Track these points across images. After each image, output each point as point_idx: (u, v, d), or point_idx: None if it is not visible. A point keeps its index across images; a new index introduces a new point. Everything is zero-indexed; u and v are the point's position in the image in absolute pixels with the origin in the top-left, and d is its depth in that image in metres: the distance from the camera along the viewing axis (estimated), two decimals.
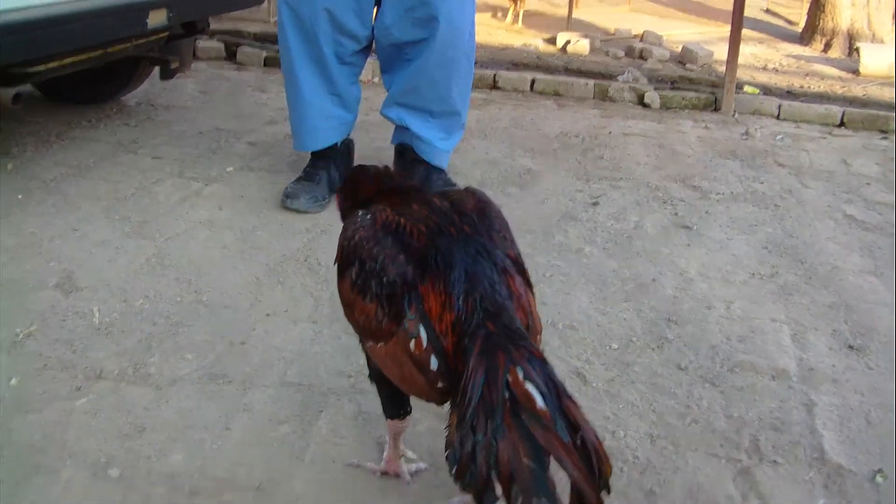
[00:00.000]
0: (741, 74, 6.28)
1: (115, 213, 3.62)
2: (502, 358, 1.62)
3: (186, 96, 5.44)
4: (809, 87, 6.71)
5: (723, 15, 8.42)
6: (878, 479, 2.33)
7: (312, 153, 4.01)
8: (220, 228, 3.56)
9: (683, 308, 3.16)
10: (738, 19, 5.84)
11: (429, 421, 2.39)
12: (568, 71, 6.71)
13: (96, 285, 3.04)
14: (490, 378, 1.60)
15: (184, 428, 2.35)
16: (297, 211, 3.75)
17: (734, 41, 5.82)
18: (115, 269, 3.16)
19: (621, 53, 7.38)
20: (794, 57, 7.81)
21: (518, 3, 8.51)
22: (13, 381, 2.48)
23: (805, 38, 8.56)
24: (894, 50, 7.21)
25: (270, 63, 6.37)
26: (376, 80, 5.93)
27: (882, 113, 5.75)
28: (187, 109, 5.16)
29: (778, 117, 5.80)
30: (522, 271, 1.93)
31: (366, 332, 1.90)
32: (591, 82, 6.18)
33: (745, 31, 6.27)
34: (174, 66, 4.69)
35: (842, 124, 5.71)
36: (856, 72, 7.21)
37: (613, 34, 8.24)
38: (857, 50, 7.59)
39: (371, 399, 2.39)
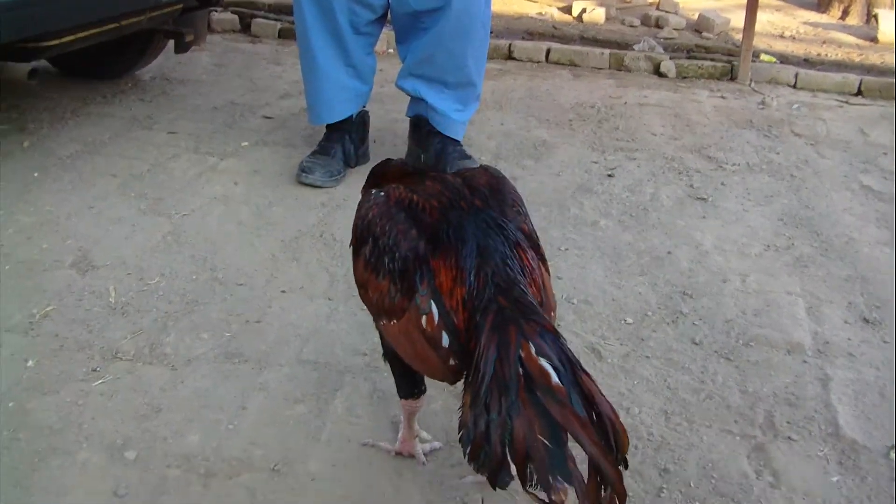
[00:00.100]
0: (758, 43, 6.24)
1: (130, 189, 3.63)
2: (514, 333, 1.61)
3: (201, 70, 5.44)
4: (827, 55, 6.67)
5: None
6: (893, 454, 2.33)
7: (327, 126, 4.00)
8: (236, 204, 3.56)
9: (699, 281, 3.15)
10: None
11: (443, 399, 2.40)
12: (583, 40, 6.69)
13: (112, 263, 3.06)
14: (502, 354, 1.59)
15: (200, 408, 2.36)
16: (313, 186, 3.75)
17: (751, 8, 5.76)
18: (131, 247, 3.17)
19: (637, 22, 7.34)
20: (812, 24, 7.75)
21: None
22: (30, 363, 2.49)
23: (822, 4, 8.48)
24: None
25: (285, 35, 6.35)
26: (391, 50, 5.92)
27: None
28: (202, 83, 5.16)
29: (794, 86, 5.76)
30: (536, 246, 1.92)
31: (379, 310, 1.90)
32: (607, 52, 6.14)
33: None
34: (189, 39, 4.68)
35: (859, 93, 5.67)
36: (874, 39, 7.15)
37: (629, 2, 8.18)
38: (875, 16, 7.53)
39: (386, 377, 2.40)
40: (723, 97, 5.46)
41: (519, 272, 1.78)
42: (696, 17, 7.34)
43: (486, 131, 4.56)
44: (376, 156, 4.07)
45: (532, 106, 5.07)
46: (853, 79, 5.74)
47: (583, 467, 1.51)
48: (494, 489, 1.62)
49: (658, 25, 7.21)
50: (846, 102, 5.48)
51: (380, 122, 4.45)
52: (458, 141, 4.00)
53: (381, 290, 1.86)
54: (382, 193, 1.93)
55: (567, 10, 7.61)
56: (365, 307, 1.98)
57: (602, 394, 1.57)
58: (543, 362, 1.56)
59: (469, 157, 3.91)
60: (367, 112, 4.10)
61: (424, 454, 2.21)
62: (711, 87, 5.70)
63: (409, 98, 4.04)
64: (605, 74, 5.94)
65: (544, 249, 1.98)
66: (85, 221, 3.33)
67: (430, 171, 2.04)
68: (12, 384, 2.41)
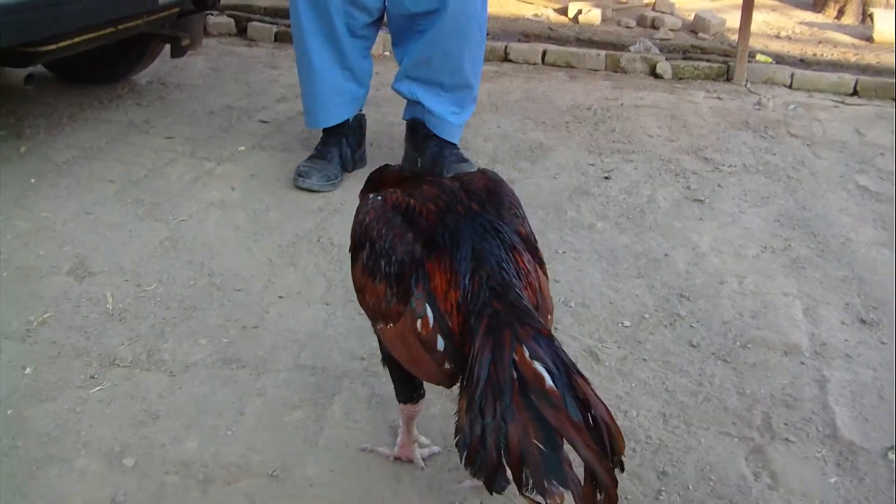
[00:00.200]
0: (754, 43, 6.25)
1: (127, 195, 3.63)
2: (508, 337, 1.61)
3: (197, 74, 5.44)
4: (822, 55, 6.68)
5: None
6: (891, 455, 2.34)
7: (324, 130, 4.00)
8: (233, 209, 3.56)
9: (696, 283, 3.16)
10: None
11: (441, 403, 2.40)
12: (579, 42, 6.70)
13: (110, 270, 3.06)
14: (497, 358, 1.59)
15: (198, 414, 2.36)
16: (310, 190, 3.75)
17: (747, 9, 5.78)
18: (129, 253, 3.17)
19: (633, 23, 7.34)
20: (807, 24, 7.76)
21: None
22: (28, 370, 2.49)
23: (818, 4, 8.49)
24: None
25: (281, 38, 6.37)
26: (387, 53, 5.93)
27: None
28: (198, 88, 5.16)
29: (790, 86, 5.77)
30: (533, 249, 1.93)
31: (376, 314, 1.90)
32: (603, 53, 6.15)
33: None
34: (185, 43, 4.68)
35: (855, 93, 5.68)
36: (869, 39, 7.16)
37: (625, 2, 8.18)
38: (870, 16, 7.54)
39: (384, 382, 2.41)
40: (719, 98, 5.47)
41: (515, 276, 1.78)
42: (691, 17, 7.35)
43: (482, 134, 4.56)
44: (373, 159, 4.07)
45: (528, 108, 5.07)
46: (849, 79, 5.75)
47: (580, 471, 1.51)
48: (491, 493, 1.62)
49: (654, 26, 7.22)
50: (842, 102, 5.49)
51: (376, 126, 4.46)
52: (454, 144, 4.00)
53: (377, 294, 1.87)
54: (380, 198, 1.94)
55: (563, 11, 7.62)
56: (363, 312, 1.99)
57: (598, 397, 1.57)
58: (538, 366, 1.56)
59: (466, 161, 3.91)
60: (363, 115, 4.10)
61: (423, 459, 2.21)
62: (707, 87, 5.71)
63: (406, 101, 4.05)
64: (602, 76, 5.95)
65: (542, 252, 1.99)
66: (82, 227, 3.33)
67: (428, 175, 2.04)
68: (10, 392, 2.40)
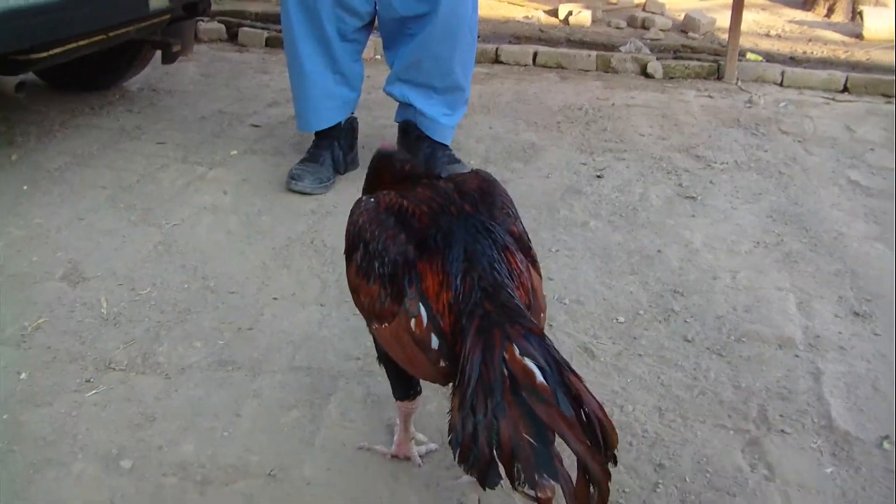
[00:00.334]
0: (744, 42, 6.27)
1: (120, 201, 3.63)
2: (498, 336, 1.62)
3: (188, 80, 5.44)
4: (812, 52, 6.69)
5: None
6: (886, 445, 2.34)
7: (316, 133, 4.01)
8: (226, 213, 3.56)
9: (689, 279, 3.16)
10: None
11: (438, 401, 2.40)
12: (570, 43, 6.71)
13: (103, 275, 3.05)
14: (487, 357, 1.61)
15: (194, 416, 2.36)
16: (302, 193, 3.75)
17: (737, 8, 5.80)
18: (122, 258, 3.17)
19: (623, 23, 7.35)
20: (797, 22, 7.77)
21: None
22: (23, 375, 2.49)
23: (808, 2, 8.52)
24: None
25: (272, 43, 6.37)
26: (378, 57, 5.93)
27: (886, 77, 5.74)
28: (189, 93, 5.16)
29: (781, 84, 5.79)
30: (525, 248, 1.93)
31: (371, 314, 1.91)
32: (594, 54, 6.16)
33: None
34: (176, 49, 4.68)
35: (845, 90, 5.70)
36: (859, 36, 7.18)
37: (615, 3, 8.20)
38: (860, 14, 7.56)
39: (380, 381, 2.41)
40: (710, 96, 5.48)
41: (507, 276, 1.79)
42: (682, 17, 7.37)
43: (474, 135, 4.56)
44: (365, 162, 3.99)
45: (520, 109, 5.08)
46: (839, 76, 5.78)
47: (574, 468, 1.52)
48: (484, 489, 1.62)
49: (644, 27, 7.23)
50: (832, 99, 5.51)
51: (368, 129, 4.46)
52: (446, 145, 4.01)
53: (371, 295, 1.87)
54: (373, 200, 1.95)
55: (553, 13, 7.63)
56: (357, 312, 1.99)
57: (590, 392, 1.58)
58: (528, 362, 1.57)
59: (458, 161, 3.92)
60: (355, 118, 4.10)
61: (420, 456, 2.21)
62: (698, 86, 5.72)
63: (398, 104, 4.06)
64: (593, 76, 5.96)
65: (535, 251, 1.99)
66: (75, 233, 3.33)
67: (423, 177, 2.04)
68: (6, 397, 2.40)
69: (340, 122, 3.97)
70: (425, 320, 1.77)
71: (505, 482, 1.56)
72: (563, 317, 2.89)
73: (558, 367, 1.58)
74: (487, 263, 1.77)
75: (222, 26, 6.55)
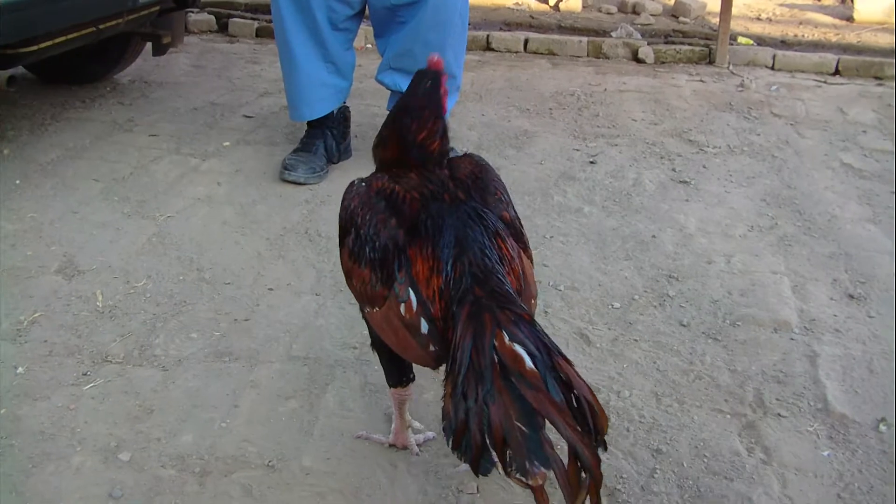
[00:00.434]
0: (735, 26, 6.26)
1: (113, 193, 3.62)
2: (489, 322, 1.64)
3: (179, 71, 5.42)
4: (803, 35, 6.69)
5: None
6: (882, 427, 2.35)
7: (308, 123, 4.00)
8: (220, 204, 3.56)
9: (684, 264, 3.17)
10: None
11: (435, 390, 2.41)
12: (561, 29, 6.70)
13: (98, 268, 3.05)
14: (477, 343, 1.62)
15: (192, 408, 2.36)
16: (296, 183, 3.75)
17: None
18: (117, 251, 3.17)
19: (614, 9, 7.34)
20: (788, 6, 7.76)
21: None
22: (20, 370, 2.49)
23: None
24: None
25: (263, 34, 6.35)
26: (369, 46, 5.93)
27: (877, 59, 5.74)
28: (181, 85, 5.15)
29: (773, 68, 5.79)
30: (517, 233, 1.95)
31: (363, 298, 1.93)
32: (585, 40, 6.15)
33: None
34: (166, 40, 4.67)
35: (836, 72, 5.70)
36: (850, 19, 7.18)
37: None
38: None
39: (377, 370, 2.41)
40: (702, 81, 5.48)
41: (497, 261, 1.80)
42: (672, 2, 7.35)
43: (466, 122, 4.56)
44: (358, 151, 4.08)
45: (512, 96, 5.07)
46: (830, 58, 5.78)
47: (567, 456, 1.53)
48: (477, 476, 1.65)
49: (635, 12, 7.22)
50: (824, 82, 5.51)
51: (361, 118, 4.46)
52: None
53: (363, 279, 1.89)
54: (364, 184, 1.96)
55: None
56: (353, 301, 2.00)
57: (580, 378, 1.59)
58: (517, 348, 1.59)
59: (452, 149, 3.90)
60: (347, 108, 4.10)
61: (418, 444, 2.22)
62: (690, 71, 5.72)
63: (390, 92, 4.05)
64: (584, 62, 5.95)
65: (528, 237, 2.00)
66: (69, 227, 3.33)
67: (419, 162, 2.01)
68: (3, 391, 2.40)
69: (333, 112, 3.97)
70: (415, 305, 1.79)
71: (499, 469, 1.57)
72: (559, 303, 2.90)
73: (548, 353, 1.60)
74: (478, 250, 1.79)
75: (212, 17, 6.53)
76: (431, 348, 1.79)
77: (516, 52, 6.14)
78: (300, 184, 3.74)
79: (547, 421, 1.53)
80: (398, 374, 2.08)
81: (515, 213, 1.99)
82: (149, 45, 4.76)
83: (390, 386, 2.11)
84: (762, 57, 5.85)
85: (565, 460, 1.53)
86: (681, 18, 7.03)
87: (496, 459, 1.56)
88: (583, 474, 1.53)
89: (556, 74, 5.59)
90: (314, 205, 3.57)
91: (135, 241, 3.24)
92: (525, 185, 3.76)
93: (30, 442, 2.22)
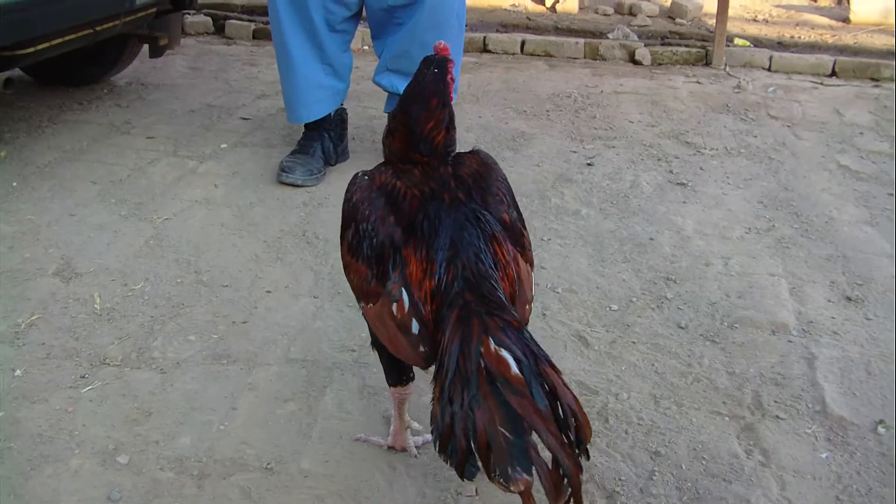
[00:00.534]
0: (731, 27, 6.27)
1: (111, 195, 3.62)
2: (476, 328, 1.65)
3: (176, 73, 5.42)
4: (800, 37, 6.70)
5: None
6: (880, 429, 2.36)
7: (306, 125, 4.00)
8: (217, 206, 3.56)
9: (682, 266, 3.17)
10: None
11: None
12: (558, 30, 6.71)
13: (96, 270, 3.05)
14: (464, 348, 1.63)
15: (190, 410, 2.36)
16: (294, 185, 3.75)
17: None
18: (114, 253, 3.16)
19: (610, 10, 7.35)
20: (784, 7, 7.77)
21: None
22: (18, 372, 2.49)
23: None
24: None
25: (259, 35, 6.35)
26: (366, 48, 5.93)
27: (873, 61, 5.75)
28: (178, 87, 5.14)
29: (769, 69, 5.80)
30: (517, 236, 1.95)
31: (359, 293, 1.94)
32: (582, 41, 6.16)
33: None
34: (163, 42, 4.66)
35: (833, 74, 5.72)
36: (846, 20, 7.19)
37: None
38: None
39: (375, 373, 2.42)
40: (698, 82, 5.48)
41: (491, 266, 1.81)
42: (668, 3, 7.36)
43: (464, 124, 4.56)
44: (355, 153, 4.08)
45: (509, 98, 5.08)
46: (827, 60, 5.79)
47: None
48: (462, 480, 1.67)
49: (631, 13, 7.23)
50: (821, 84, 5.52)
51: (358, 120, 4.46)
52: None
53: (360, 274, 1.91)
54: (367, 177, 1.97)
55: (540, 1, 7.61)
56: (351, 302, 2.00)
57: (566, 386, 1.60)
58: (504, 353, 1.60)
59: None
60: (344, 110, 4.10)
61: (417, 447, 2.22)
62: (687, 72, 5.72)
63: (387, 94, 4.05)
64: (581, 64, 5.95)
65: (529, 236, 2.00)
66: (66, 229, 3.32)
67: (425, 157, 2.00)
68: (1, 394, 2.40)
69: (330, 114, 3.96)
70: (406, 305, 1.80)
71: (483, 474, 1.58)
72: (557, 305, 2.90)
73: (535, 360, 1.61)
74: (473, 254, 1.80)
75: (209, 19, 6.52)
76: (421, 349, 1.81)
77: (513, 54, 6.15)
78: (297, 186, 3.74)
79: (530, 427, 1.54)
80: (398, 373, 2.08)
81: (518, 213, 1.99)
82: (146, 47, 4.76)
83: (390, 385, 2.11)
84: (759, 58, 5.86)
85: (550, 465, 1.54)
86: (677, 20, 7.04)
87: (480, 464, 1.57)
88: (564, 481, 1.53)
89: (553, 76, 5.59)
90: (312, 207, 3.57)
91: (132, 243, 3.24)
92: (522, 188, 3.76)
93: (28, 444, 2.22)
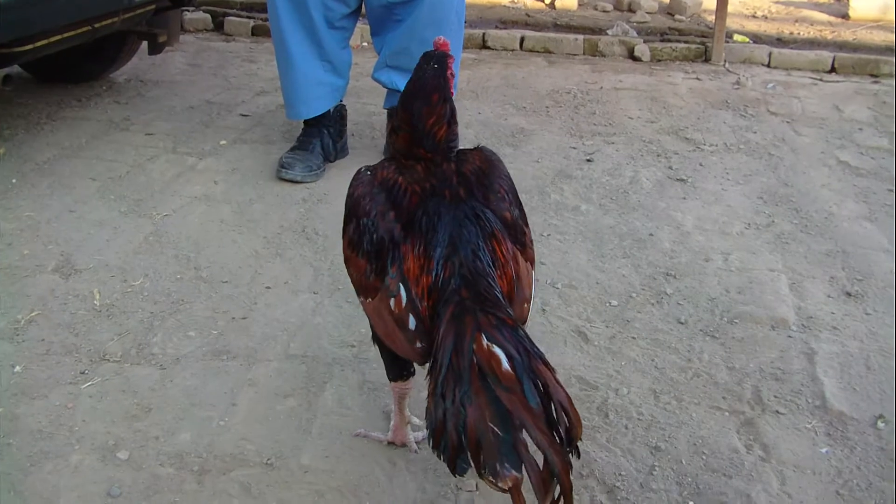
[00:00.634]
0: (730, 23, 6.26)
1: (110, 192, 3.62)
2: (470, 325, 1.66)
3: (175, 70, 5.42)
4: (799, 33, 6.70)
5: None
6: (880, 424, 2.36)
7: (305, 121, 4.00)
8: (217, 203, 3.56)
9: (681, 262, 3.17)
10: None
11: None
12: (557, 27, 6.70)
13: (95, 267, 3.05)
14: (458, 345, 1.64)
15: (190, 406, 2.36)
16: (293, 181, 3.75)
17: None
18: (114, 250, 3.16)
19: (609, 6, 7.34)
20: (783, 3, 7.77)
21: None
22: (17, 369, 2.49)
23: None
24: None
25: (258, 32, 6.34)
26: (365, 44, 5.92)
27: (872, 57, 5.76)
28: (177, 83, 5.14)
29: (769, 65, 5.80)
30: (518, 234, 1.95)
31: (359, 287, 1.95)
32: (581, 37, 6.16)
33: None
34: (162, 39, 4.66)
35: (832, 70, 5.72)
36: (845, 16, 7.18)
37: None
38: None
39: (375, 368, 2.42)
40: (698, 79, 5.48)
41: (489, 264, 1.81)
42: None
43: (463, 120, 4.55)
44: (355, 149, 4.08)
45: (508, 94, 5.07)
46: (826, 56, 5.78)
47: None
48: (454, 475, 1.67)
49: (631, 9, 7.22)
50: (820, 80, 5.52)
51: (357, 116, 4.46)
52: None
53: (360, 268, 1.91)
54: (370, 172, 1.98)
55: None
56: (351, 298, 2.00)
57: (559, 384, 1.61)
58: (496, 350, 1.60)
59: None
60: (344, 106, 4.09)
61: (417, 442, 2.22)
62: (686, 69, 5.72)
63: (386, 90, 4.05)
64: (580, 60, 5.95)
65: (530, 235, 2.00)
66: (66, 225, 3.32)
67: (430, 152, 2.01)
68: (1, 390, 2.40)
69: (329, 110, 3.96)
70: (404, 301, 1.81)
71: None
72: (556, 301, 2.90)
73: (528, 357, 1.61)
74: (471, 251, 1.80)
75: (208, 16, 6.52)
76: (418, 345, 1.81)
77: (512, 51, 6.15)
78: (297, 182, 3.73)
79: (521, 424, 1.54)
80: (398, 367, 2.08)
81: (520, 211, 1.99)
82: (145, 43, 4.76)
83: (390, 380, 2.11)
84: (758, 54, 5.86)
85: (541, 462, 1.54)
86: (676, 16, 7.03)
87: (471, 460, 1.57)
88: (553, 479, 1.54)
89: (553, 72, 5.59)
90: (311, 203, 3.56)
91: (132, 239, 3.24)
92: (522, 184, 3.76)
93: (28, 441, 2.22)
